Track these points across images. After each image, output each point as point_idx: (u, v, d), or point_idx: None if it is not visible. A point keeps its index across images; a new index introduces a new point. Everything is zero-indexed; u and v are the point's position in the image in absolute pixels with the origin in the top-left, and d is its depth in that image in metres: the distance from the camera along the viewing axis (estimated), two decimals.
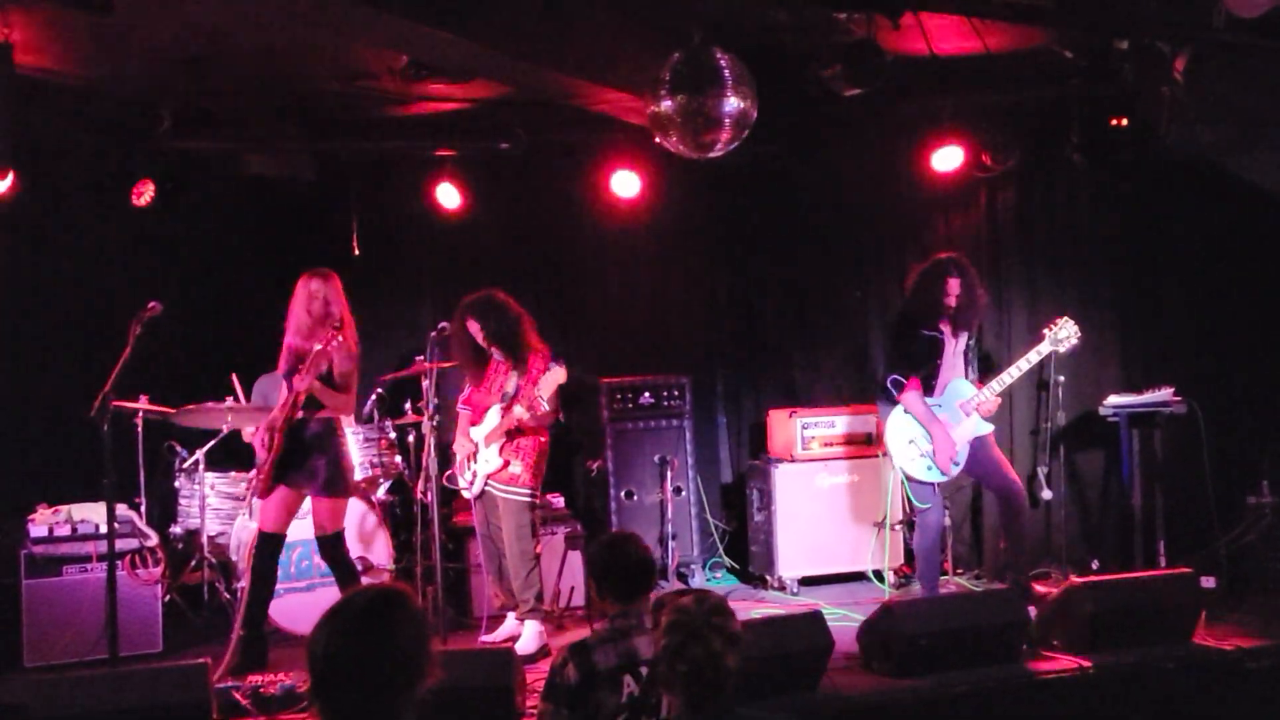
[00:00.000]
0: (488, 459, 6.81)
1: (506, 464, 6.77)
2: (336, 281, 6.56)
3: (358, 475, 7.51)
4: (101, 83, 7.09)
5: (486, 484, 6.83)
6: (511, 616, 6.93)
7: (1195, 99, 6.19)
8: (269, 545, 6.50)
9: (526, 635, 6.70)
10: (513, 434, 6.78)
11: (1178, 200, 8.27)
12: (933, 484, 7.10)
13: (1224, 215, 8.14)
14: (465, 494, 7.06)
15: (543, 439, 6.88)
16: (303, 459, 6.41)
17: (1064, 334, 7.18)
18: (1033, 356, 7.16)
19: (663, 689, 3.34)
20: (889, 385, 7.15)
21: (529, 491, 6.79)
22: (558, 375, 6.64)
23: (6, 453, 7.70)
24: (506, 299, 6.92)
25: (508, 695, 5.21)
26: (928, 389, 7.10)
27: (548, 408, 6.68)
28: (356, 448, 7.56)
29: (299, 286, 6.51)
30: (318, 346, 6.29)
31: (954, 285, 7.08)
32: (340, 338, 6.34)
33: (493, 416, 6.83)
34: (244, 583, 6.96)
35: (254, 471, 6.57)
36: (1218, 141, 6.68)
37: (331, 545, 6.52)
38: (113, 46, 6.51)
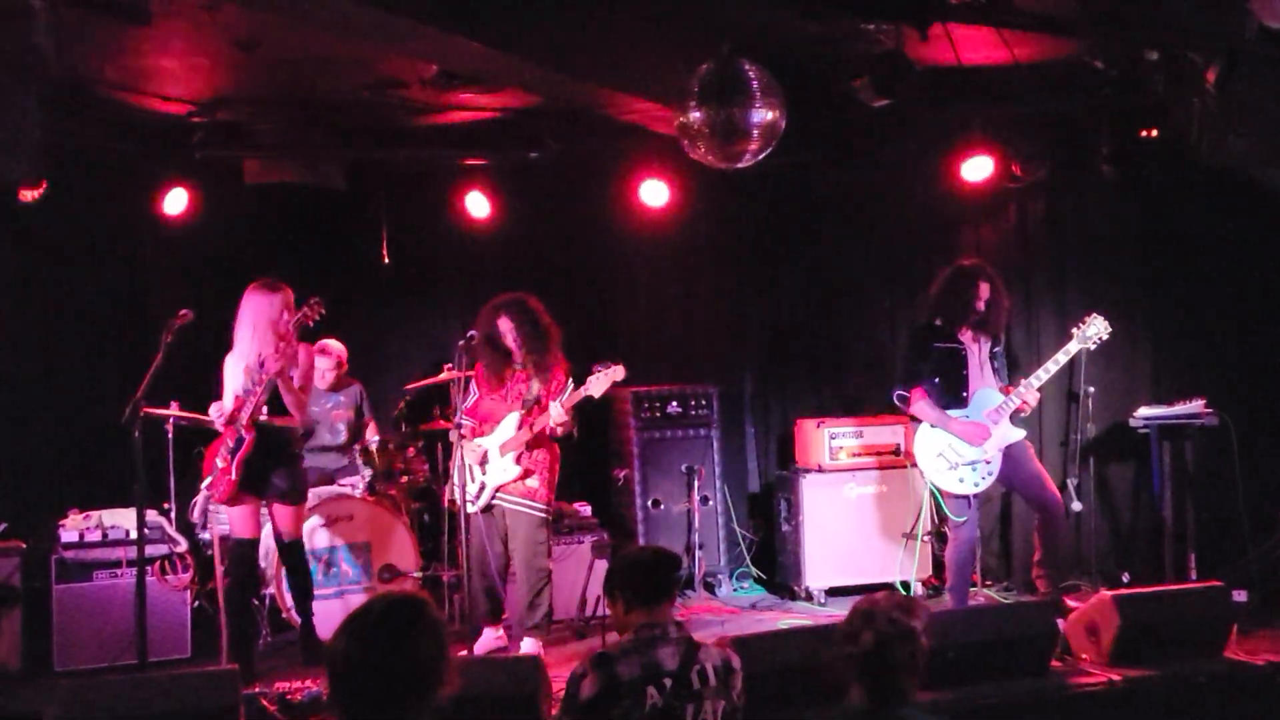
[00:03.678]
0: (504, 468, 6.67)
1: (526, 474, 6.66)
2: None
3: (385, 483, 7.55)
4: (135, 92, 7.14)
5: (496, 496, 6.70)
6: (489, 630, 6.84)
7: (1227, 109, 6.13)
8: (251, 550, 6.48)
9: (525, 650, 6.58)
10: (531, 445, 6.67)
11: (1209, 212, 8.21)
12: (968, 496, 7.06)
13: (1255, 226, 8.07)
14: (469, 506, 6.84)
15: (557, 450, 6.81)
16: (266, 469, 6.32)
17: (1092, 331, 7.10)
18: (1061, 357, 7.08)
19: (841, 676, 3.47)
20: (894, 401, 7.14)
21: (545, 506, 6.70)
22: (616, 373, 6.54)
23: (39, 458, 7.79)
24: (539, 305, 6.85)
25: (533, 704, 5.20)
26: (958, 402, 7.06)
27: (567, 418, 6.60)
28: (385, 456, 7.58)
29: (263, 298, 6.34)
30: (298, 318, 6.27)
31: (985, 290, 7.05)
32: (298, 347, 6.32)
33: (509, 425, 6.73)
34: (271, 589, 7.01)
35: (215, 475, 6.44)
36: (1249, 152, 6.61)
37: (295, 551, 6.49)
38: (147, 56, 6.58)
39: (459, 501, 6.63)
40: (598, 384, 6.53)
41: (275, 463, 6.34)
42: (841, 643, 3.43)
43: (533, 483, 6.68)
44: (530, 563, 6.67)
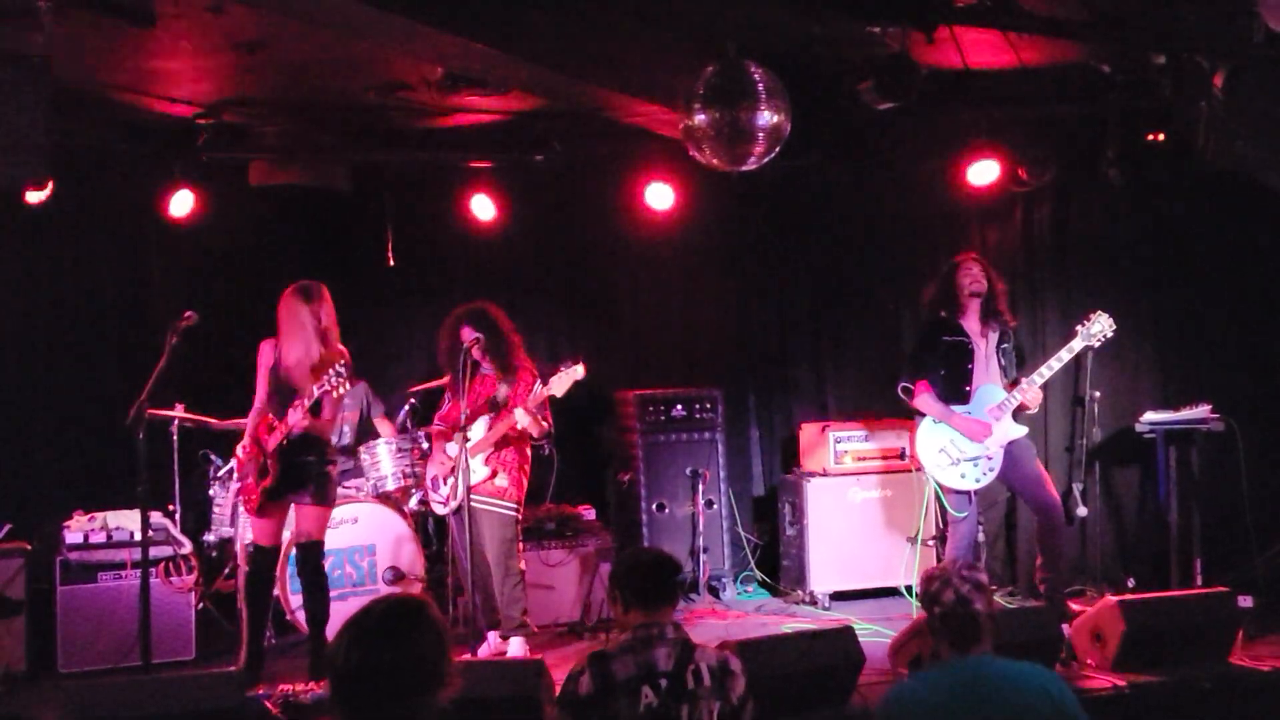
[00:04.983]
0: (473, 469, 6.66)
1: (494, 474, 6.72)
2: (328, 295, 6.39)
3: (390, 486, 7.55)
4: (140, 94, 7.15)
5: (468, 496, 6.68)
6: (493, 635, 6.84)
7: (1234, 113, 6.12)
8: (269, 558, 6.44)
9: (512, 652, 6.62)
10: (499, 445, 6.73)
11: (1215, 216, 8.20)
12: (968, 492, 7.06)
13: (1262, 231, 8.06)
14: (439, 509, 6.98)
15: (526, 451, 6.85)
16: (297, 474, 6.23)
17: (1096, 328, 7.10)
18: (1065, 354, 7.08)
19: (930, 637, 3.83)
20: (899, 393, 7.14)
21: (514, 505, 6.75)
22: (576, 372, 6.60)
23: (43, 460, 7.80)
24: (499, 312, 6.91)
25: (535, 705, 5.20)
26: (961, 397, 7.06)
27: (545, 423, 6.66)
28: (390, 458, 7.58)
29: (292, 306, 6.28)
30: (325, 388, 6.02)
31: (975, 269, 7.09)
32: (345, 381, 6.07)
33: (478, 428, 6.76)
34: (275, 590, 6.99)
35: (238, 485, 6.45)
36: (1256, 156, 6.60)
37: (314, 552, 6.35)
38: (152, 58, 6.58)
39: (465, 504, 6.55)
40: (559, 383, 6.60)
41: (305, 471, 6.26)
42: (928, 606, 3.78)
43: (501, 481, 6.74)
44: (503, 563, 6.71)
